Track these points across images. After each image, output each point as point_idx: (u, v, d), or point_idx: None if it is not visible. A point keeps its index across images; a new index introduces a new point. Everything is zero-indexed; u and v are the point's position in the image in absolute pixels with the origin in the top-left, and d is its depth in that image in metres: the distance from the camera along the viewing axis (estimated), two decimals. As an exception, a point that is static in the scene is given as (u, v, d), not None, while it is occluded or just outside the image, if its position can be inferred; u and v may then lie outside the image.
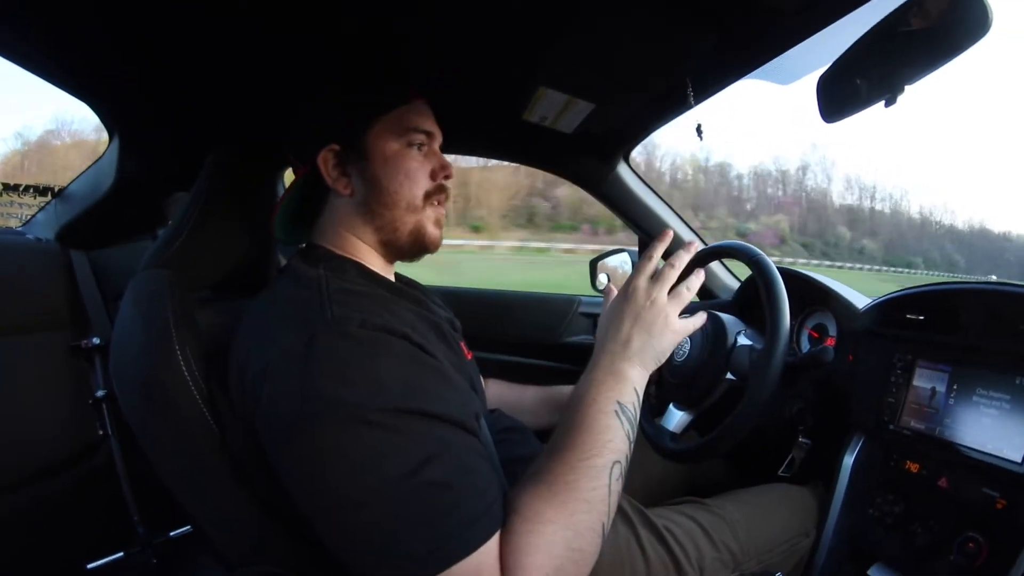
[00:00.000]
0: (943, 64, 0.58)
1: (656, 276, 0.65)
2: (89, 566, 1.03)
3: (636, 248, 1.43)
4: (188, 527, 1.12)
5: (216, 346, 0.60)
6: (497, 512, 0.48)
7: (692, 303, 1.33)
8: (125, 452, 1.10)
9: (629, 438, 0.56)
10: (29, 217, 1.19)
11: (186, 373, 0.56)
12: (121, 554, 1.06)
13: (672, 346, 0.63)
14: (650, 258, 0.67)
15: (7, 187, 1.15)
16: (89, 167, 1.13)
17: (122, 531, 1.07)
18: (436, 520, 0.45)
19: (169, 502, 0.61)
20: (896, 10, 0.59)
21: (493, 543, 0.47)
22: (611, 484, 0.52)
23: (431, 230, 0.69)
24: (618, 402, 0.57)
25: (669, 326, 0.63)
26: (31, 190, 1.15)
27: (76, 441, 1.08)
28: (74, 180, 1.15)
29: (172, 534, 1.11)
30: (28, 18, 0.73)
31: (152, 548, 1.08)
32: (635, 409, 0.58)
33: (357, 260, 0.67)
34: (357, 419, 0.46)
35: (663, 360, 0.63)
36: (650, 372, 0.62)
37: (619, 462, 0.54)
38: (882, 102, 0.64)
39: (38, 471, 1.01)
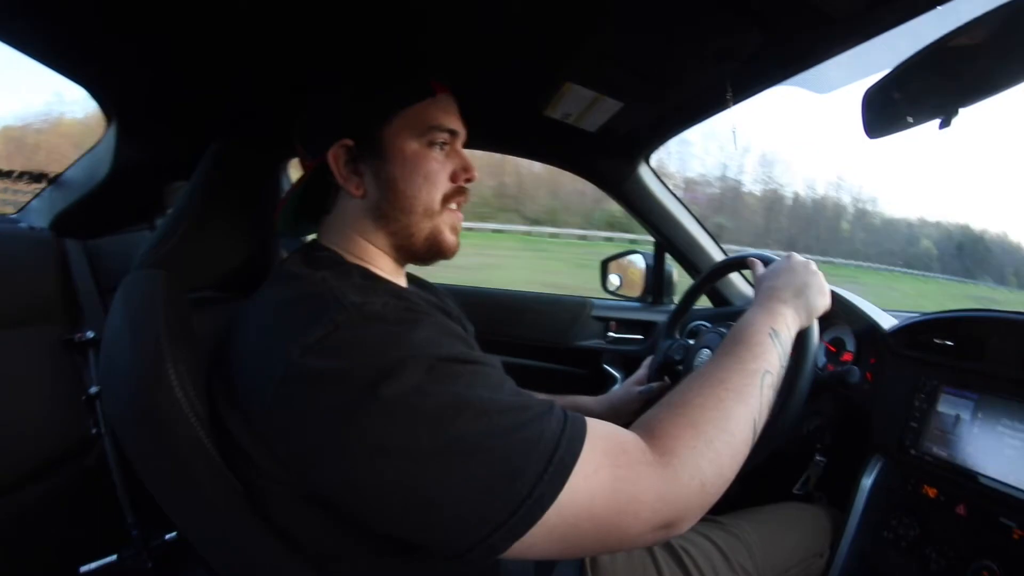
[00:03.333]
0: (1005, 89, 0.55)
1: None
2: (82, 569, 0.99)
3: (651, 250, 1.42)
4: None
5: (215, 354, 0.56)
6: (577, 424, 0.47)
7: (709, 310, 1.33)
8: (119, 452, 1.06)
9: (780, 360, 0.61)
10: (23, 204, 1.13)
11: (180, 395, 0.51)
12: (115, 557, 1.03)
13: (823, 307, 0.72)
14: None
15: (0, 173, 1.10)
16: (85, 153, 1.08)
17: (116, 533, 1.04)
18: (534, 433, 0.44)
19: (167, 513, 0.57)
20: (956, 29, 0.57)
21: (599, 426, 0.48)
22: (762, 388, 0.56)
23: (448, 237, 0.65)
24: (772, 327, 0.62)
25: (824, 289, 0.73)
26: (25, 176, 1.09)
27: (69, 439, 1.03)
28: (70, 166, 1.10)
29: (167, 537, 1.07)
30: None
31: (147, 551, 1.04)
32: (788, 341, 0.64)
33: (363, 266, 0.62)
34: (412, 371, 0.43)
35: (814, 315, 0.71)
36: (802, 323, 0.69)
37: (770, 372, 0.58)
38: (935, 123, 0.61)
39: (29, 470, 0.96)
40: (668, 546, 0.74)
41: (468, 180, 0.66)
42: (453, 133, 0.65)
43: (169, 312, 0.56)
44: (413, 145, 0.62)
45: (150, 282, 0.59)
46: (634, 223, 1.35)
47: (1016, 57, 0.53)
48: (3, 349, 0.94)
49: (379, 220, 0.63)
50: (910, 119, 0.63)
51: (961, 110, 0.58)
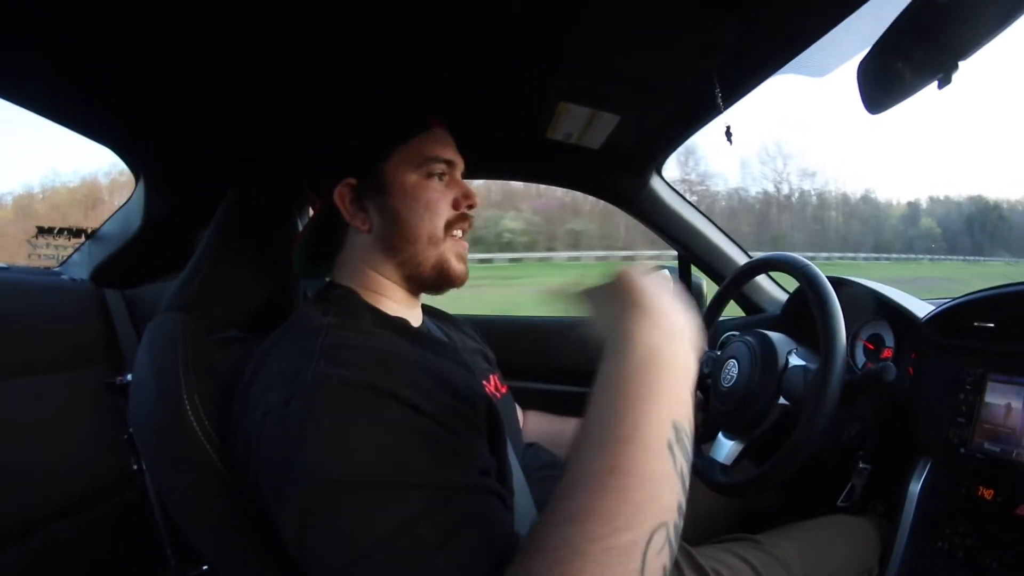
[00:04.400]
0: (1000, 31, 0.51)
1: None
2: None
3: (676, 264, 1.38)
4: None
5: (232, 390, 0.58)
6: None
7: (739, 319, 1.27)
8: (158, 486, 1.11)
9: (684, 480, 0.38)
10: (65, 258, 1.23)
11: (195, 424, 0.54)
12: None
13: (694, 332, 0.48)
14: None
15: (42, 231, 1.20)
16: (119, 209, 1.17)
17: (155, 564, 1.08)
18: None
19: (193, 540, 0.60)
20: None
21: None
22: (647, 562, 0.34)
23: (455, 265, 0.66)
24: (673, 424, 0.38)
25: (682, 306, 0.48)
26: (65, 232, 1.19)
27: (110, 475, 1.09)
28: (105, 222, 1.19)
29: (205, 568, 1.10)
30: (54, 73, 0.75)
31: (185, 582, 1.08)
32: (691, 428, 0.41)
33: (375, 303, 0.64)
34: (326, 491, 0.42)
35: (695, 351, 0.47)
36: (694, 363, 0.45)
37: (665, 524, 0.36)
38: (934, 83, 0.57)
39: (72, 504, 1.03)
40: (698, 567, 0.70)
41: (470, 206, 0.67)
42: (450, 163, 0.67)
43: (188, 351, 0.60)
44: (412, 177, 0.64)
45: (172, 325, 0.63)
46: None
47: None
48: (50, 391, 1.02)
49: (387, 252, 0.65)
50: (908, 85, 0.59)
51: (961, 64, 0.53)
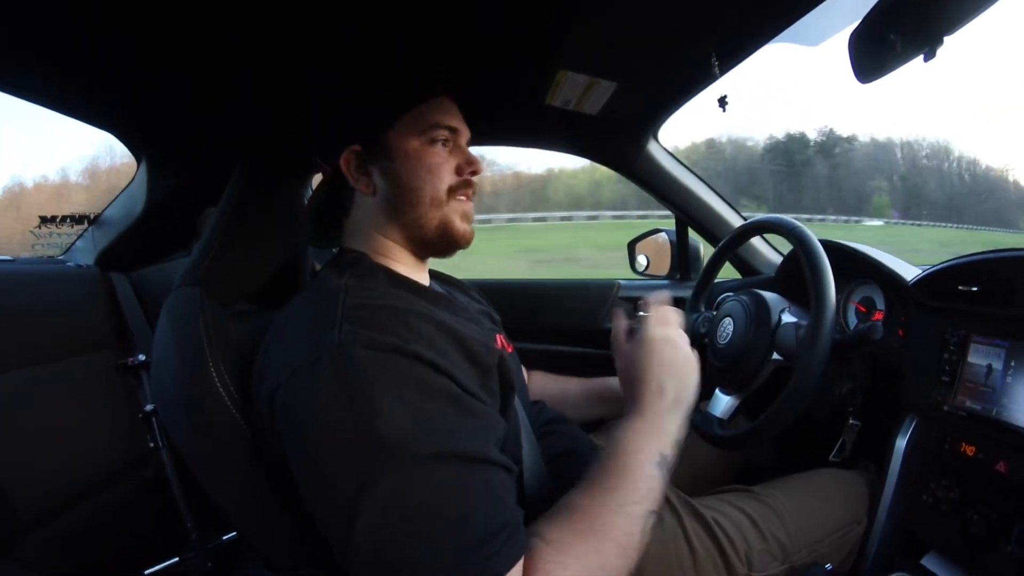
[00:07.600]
0: (983, 10, 0.53)
1: (664, 322, 0.69)
2: (146, 572, 1.08)
3: (673, 227, 1.40)
4: None
5: (251, 357, 0.61)
6: (512, 548, 0.46)
7: (734, 281, 1.30)
8: (177, 462, 1.15)
9: (663, 488, 0.57)
10: (68, 245, 1.24)
11: (221, 389, 0.57)
12: (176, 559, 1.11)
13: (697, 382, 0.66)
14: (660, 304, 0.72)
15: (44, 220, 1.20)
16: (121, 192, 1.18)
17: (176, 537, 1.13)
18: (448, 556, 0.44)
19: (221, 508, 0.63)
20: None
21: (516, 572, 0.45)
22: (643, 533, 0.53)
23: (458, 224, 0.68)
24: (661, 454, 0.58)
25: (693, 365, 0.66)
26: (68, 220, 1.20)
27: (128, 453, 1.13)
28: (108, 206, 1.20)
29: (224, 538, 1.15)
30: (50, 62, 0.75)
31: (206, 552, 1.13)
32: (673, 459, 0.59)
33: (386, 264, 0.66)
34: (356, 449, 0.45)
35: (694, 400, 0.65)
36: (686, 415, 0.64)
37: (654, 512, 0.55)
38: (920, 56, 0.59)
39: (94, 483, 1.06)
40: (699, 516, 0.74)
41: (473, 173, 0.69)
42: (453, 130, 0.68)
43: (207, 321, 0.62)
44: (415, 143, 0.66)
45: (189, 298, 0.65)
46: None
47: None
48: (64, 377, 1.05)
49: (392, 214, 0.67)
50: (896, 56, 0.60)
51: (945, 39, 0.55)
